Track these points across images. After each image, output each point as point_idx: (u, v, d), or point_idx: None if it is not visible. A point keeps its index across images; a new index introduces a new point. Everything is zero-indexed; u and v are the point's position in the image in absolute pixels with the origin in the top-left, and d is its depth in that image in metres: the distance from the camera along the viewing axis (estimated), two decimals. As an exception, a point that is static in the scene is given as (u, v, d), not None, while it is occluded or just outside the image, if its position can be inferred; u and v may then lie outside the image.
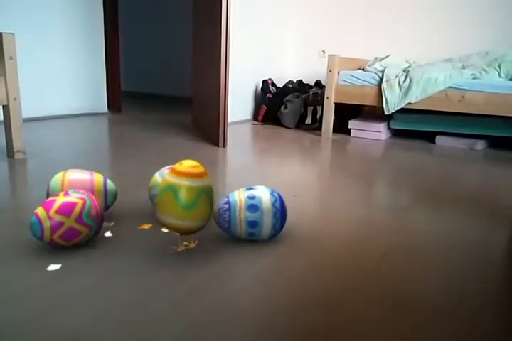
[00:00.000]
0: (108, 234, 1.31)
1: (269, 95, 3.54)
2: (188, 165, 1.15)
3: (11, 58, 1.88)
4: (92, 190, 1.32)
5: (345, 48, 3.79)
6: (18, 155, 1.97)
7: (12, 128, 1.93)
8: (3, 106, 1.90)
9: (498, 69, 2.62)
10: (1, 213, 1.36)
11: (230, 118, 3.29)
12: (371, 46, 3.66)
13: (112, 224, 1.35)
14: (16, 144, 1.96)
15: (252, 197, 1.19)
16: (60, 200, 1.09)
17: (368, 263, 1.11)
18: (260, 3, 3.58)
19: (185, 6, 4.71)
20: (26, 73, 3.04)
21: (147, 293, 0.93)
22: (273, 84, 3.66)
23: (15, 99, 1.91)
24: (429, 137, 2.99)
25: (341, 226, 1.36)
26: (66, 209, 1.07)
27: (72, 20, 3.35)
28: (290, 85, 3.60)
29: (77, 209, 1.10)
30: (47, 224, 1.05)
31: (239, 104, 3.57)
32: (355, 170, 2.10)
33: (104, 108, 3.73)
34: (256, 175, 1.97)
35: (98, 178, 1.37)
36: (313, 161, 2.34)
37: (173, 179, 1.14)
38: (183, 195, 1.11)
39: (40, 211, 1.06)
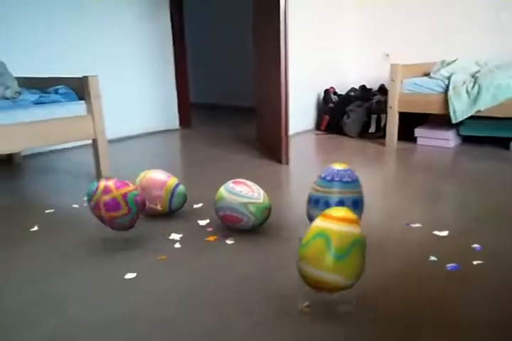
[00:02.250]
0: (177, 245, 1.49)
1: (331, 105, 3.57)
2: (339, 211, 1.06)
3: (96, 98, 2.13)
4: (162, 189, 1.56)
5: (411, 50, 3.70)
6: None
7: (100, 158, 2.19)
8: (92, 139, 2.16)
9: None
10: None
11: (293, 129, 3.38)
12: (438, 46, 3.54)
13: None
14: (104, 172, 2.21)
15: None
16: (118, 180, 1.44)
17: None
18: (318, 9, 3.61)
19: (247, 16, 4.86)
20: (104, 97, 3.36)
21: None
22: (335, 92, 3.68)
23: (101, 132, 2.17)
24: (503, 143, 2.85)
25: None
26: (119, 185, 1.40)
27: (143, 41, 3.62)
28: (352, 93, 3.60)
29: (128, 188, 1.40)
30: (101, 188, 1.38)
31: (302, 114, 3.64)
32: (421, 188, 2.09)
33: (176, 124, 3.99)
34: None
35: (171, 181, 1.63)
36: (378, 177, 2.36)
37: (324, 224, 1.05)
38: (335, 242, 1.01)
39: (102, 181, 1.42)
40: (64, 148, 3.10)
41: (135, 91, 3.62)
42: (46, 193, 2.17)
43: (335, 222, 1.03)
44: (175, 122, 3.99)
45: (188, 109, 4.08)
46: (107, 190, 1.38)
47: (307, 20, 3.49)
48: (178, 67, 3.93)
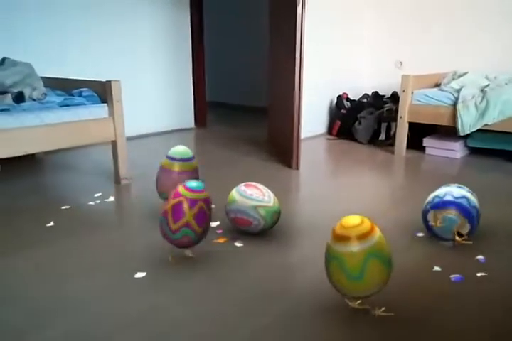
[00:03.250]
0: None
1: (343, 111, 3.65)
2: (349, 224, 1.06)
3: (117, 101, 2.24)
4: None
5: (423, 59, 3.74)
6: (123, 181, 2.35)
7: (119, 159, 2.31)
8: (112, 141, 2.29)
9: None
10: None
11: (305, 133, 3.46)
12: (450, 57, 3.58)
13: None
14: (122, 172, 2.34)
15: None
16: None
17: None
18: (333, 15, 3.67)
19: (264, 18, 4.93)
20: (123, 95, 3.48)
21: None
22: (348, 99, 3.75)
23: (121, 135, 2.29)
24: (509, 156, 2.91)
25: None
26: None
27: (161, 38, 3.72)
28: (364, 100, 3.67)
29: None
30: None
31: (314, 118, 3.72)
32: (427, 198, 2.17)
33: (192, 123, 4.11)
34: (326, 202, 2.13)
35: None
36: (385, 185, 2.45)
37: (335, 246, 1.08)
38: (348, 265, 1.04)
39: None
40: (84, 145, 3.24)
41: (153, 89, 3.74)
42: (64, 190, 2.31)
43: (344, 242, 1.04)
44: (190, 121, 4.10)
45: (204, 109, 4.19)
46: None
47: (323, 25, 3.55)
48: (195, 66, 4.03)
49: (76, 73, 2.90)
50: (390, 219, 1.93)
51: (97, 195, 2.18)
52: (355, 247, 1.04)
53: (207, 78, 4.24)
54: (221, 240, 1.68)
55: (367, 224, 1.07)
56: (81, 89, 2.33)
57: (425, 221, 1.69)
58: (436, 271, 1.46)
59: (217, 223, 1.84)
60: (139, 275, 1.42)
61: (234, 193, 1.69)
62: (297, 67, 2.53)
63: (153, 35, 3.63)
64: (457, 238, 1.61)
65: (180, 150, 1.92)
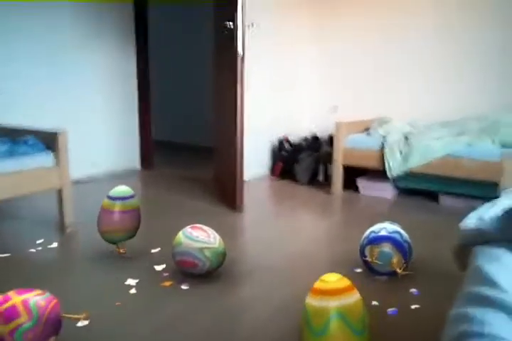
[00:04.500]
0: (133, 290, 1.64)
1: (284, 153, 3.88)
2: (328, 280, 1.07)
3: (64, 150, 2.28)
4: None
5: (355, 105, 4.11)
6: (68, 230, 2.34)
7: (64, 208, 2.31)
8: (57, 189, 2.30)
9: (493, 136, 2.85)
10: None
11: (248, 175, 3.61)
12: (379, 104, 3.97)
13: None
14: (67, 219, 2.34)
15: None
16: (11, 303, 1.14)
17: None
18: (273, 63, 3.96)
19: (210, 61, 5.19)
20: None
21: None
22: (288, 141, 4.00)
23: (67, 183, 2.31)
24: (434, 196, 3.19)
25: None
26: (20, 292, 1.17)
27: (106, 80, 3.80)
28: (303, 143, 3.93)
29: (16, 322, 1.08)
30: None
31: (257, 160, 3.90)
32: (361, 236, 2.36)
33: (137, 164, 4.14)
34: (268, 243, 2.25)
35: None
36: (324, 224, 2.64)
37: (308, 299, 1.08)
38: (311, 319, 1.03)
39: None
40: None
41: (97, 131, 3.75)
42: (4, 238, 2.27)
43: (313, 296, 1.06)
44: (136, 163, 4.14)
45: (150, 151, 4.25)
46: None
47: (265, 73, 3.81)
48: (141, 107, 4.10)
49: (20, 117, 2.89)
50: (329, 256, 2.09)
51: (39, 241, 2.17)
52: (319, 302, 1.05)
53: (153, 117, 4.32)
54: (167, 283, 1.74)
55: (345, 283, 1.10)
56: (26, 138, 2.34)
57: (363, 256, 1.86)
58: (375, 305, 1.60)
59: (163, 266, 1.90)
60: (83, 323, 1.42)
61: (180, 236, 1.77)
62: (239, 112, 2.70)
63: (97, 78, 3.70)
64: (398, 270, 1.77)
65: (121, 189, 2.00)
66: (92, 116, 3.69)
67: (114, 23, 3.75)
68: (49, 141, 2.29)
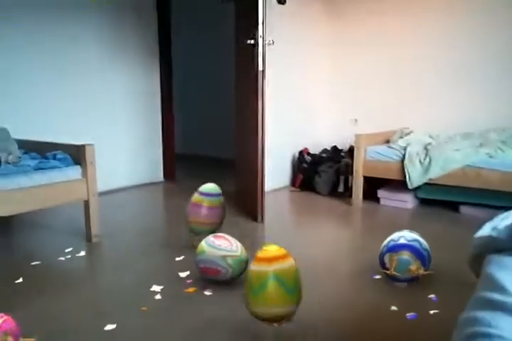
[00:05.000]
0: (158, 296, 1.70)
1: (304, 165, 3.91)
2: (268, 249, 1.34)
3: (91, 163, 2.39)
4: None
5: (376, 117, 4.12)
6: (95, 239, 2.44)
7: (91, 218, 2.41)
8: (84, 201, 2.40)
9: (513, 147, 2.83)
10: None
11: (270, 186, 3.66)
12: (399, 116, 3.97)
13: None
14: (94, 230, 2.43)
15: None
16: None
17: None
18: (294, 77, 4.03)
19: (232, 73, 5.30)
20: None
21: None
22: (308, 153, 4.03)
23: (93, 195, 2.41)
24: (454, 206, 3.17)
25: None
26: None
27: (131, 93, 3.95)
28: (324, 155, 3.96)
29: None
30: None
31: (278, 171, 3.95)
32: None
33: (161, 177, 4.25)
34: (290, 252, 2.28)
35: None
36: (344, 234, 2.65)
37: (251, 266, 1.37)
38: (253, 281, 1.32)
39: None
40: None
41: (122, 145, 3.88)
42: (34, 247, 2.37)
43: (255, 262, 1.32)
44: (159, 175, 4.25)
45: (173, 163, 4.36)
46: None
47: (285, 87, 3.88)
48: (165, 120, 4.22)
49: (49, 132, 3.04)
50: (349, 263, 2.11)
51: (67, 250, 2.26)
52: (257, 267, 1.32)
53: (176, 130, 4.44)
54: (191, 290, 1.79)
55: (281, 252, 1.34)
56: (55, 152, 2.46)
57: (382, 263, 1.89)
58: (394, 310, 1.62)
59: (187, 273, 1.95)
60: (109, 327, 1.49)
61: (203, 244, 1.84)
62: (260, 125, 2.77)
63: (122, 93, 3.84)
64: (420, 271, 1.81)
65: (210, 186, 2.31)
66: (117, 130, 3.83)
67: (138, 39, 3.91)
68: (77, 154, 2.40)
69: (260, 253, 1.34)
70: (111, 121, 3.77)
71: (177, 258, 2.16)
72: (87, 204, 2.40)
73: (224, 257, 1.77)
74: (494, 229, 1.17)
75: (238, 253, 1.80)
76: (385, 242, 1.92)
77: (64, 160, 2.41)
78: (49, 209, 3.11)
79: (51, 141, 2.64)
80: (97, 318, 1.57)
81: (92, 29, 3.55)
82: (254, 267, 1.35)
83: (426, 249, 1.86)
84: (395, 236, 1.90)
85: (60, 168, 2.34)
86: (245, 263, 1.82)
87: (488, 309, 0.76)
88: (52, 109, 3.34)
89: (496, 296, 0.79)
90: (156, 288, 1.81)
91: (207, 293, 1.77)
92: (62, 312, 1.63)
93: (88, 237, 2.44)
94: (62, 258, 2.15)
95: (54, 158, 2.44)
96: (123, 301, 1.70)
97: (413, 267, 1.80)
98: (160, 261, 2.15)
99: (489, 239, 1.16)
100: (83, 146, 2.37)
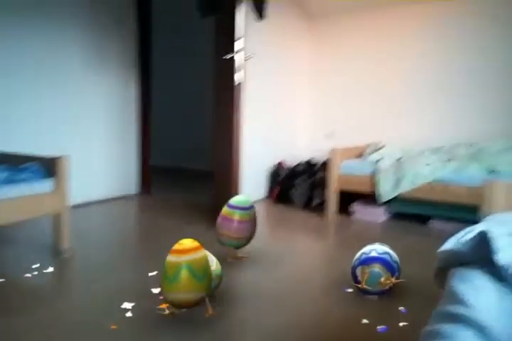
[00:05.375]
0: (129, 314, 1.67)
1: (281, 177, 3.95)
2: (183, 243, 1.52)
3: (64, 176, 2.35)
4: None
5: (351, 131, 4.22)
6: (65, 255, 2.38)
7: (62, 232, 2.37)
8: (55, 214, 2.35)
9: (479, 162, 2.94)
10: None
11: (245, 199, 3.69)
12: (373, 130, 4.08)
13: None
14: (64, 245, 2.38)
15: None
16: None
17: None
18: (271, 90, 4.10)
19: (209, 85, 5.33)
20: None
21: None
22: (284, 166, 4.08)
23: (65, 208, 2.37)
24: (423, 219, 3.25)
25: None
26: None
27: (106, 106, 3.93)
28: (299, 168, 4.01)
29: None
30: None
31: (255, 184, 3.98)
32: (352, 258, 2.40)
33: (136, 189, 4.21)
34: (264, 266, 2.29)
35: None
36: (318, 247, 2.67)
37: (168, 258, 1.52)
38: (167, 271, 1.49)
39: None
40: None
41: (96, 157, 3.85)
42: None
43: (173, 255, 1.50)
44: (134, 188, 4.20)
45: (148, 175, 4.32)
46: None
47: (263, 100, 3.93)
48: (141, 132, 4.20)
49: (21, 144, 2.98)
50: (322, 277, 2.13)
51: (34, 266, 2.21)
52: (173, 257, 1.51)
53: (153, 142, 4.41)
54: (164, 306, 1.77)
55: (194, 245, 1.51)
56: (27, 164, 2.41)
57: (354, 276, 1.92)
58: (365, 324, 1.64)
59: (160, 289, 1.92)
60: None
61: None
62: (236, 138, 2.79)
63: (98, 104, 3.82)
64: (392, 280, 1.85)
65: (241, 199, 2.20)
66: (91, 142, 3.79)
67: (116, 51, 3.91)
68: (50, 166, 2.36)
69: (176, 246, 1.51)
70: (86, 132, 3.73)
71: (150, 274, 2.13)
72: (58, 217, 2.36)
73: None
74: (458, 242, 1.22)
75: (214, 268, 1.80)
76: (357, 255, 1.95)
77: (36, 173, 2.37)
78: (17, 223, 3.04)
79: (23, 153, 2.59)
80: (64, 338, 1.53)
81: (71, 41, 3.53)
82: (170, 258, 1.51)
83: (396, 261, 1.90)
84: (366, 249, 1.94)
85: (31, 180, 2.29)
86: (219, 277, 1.82)
87: (449, 322, 0.79)
88: (24, 121, 3.28)
89: (457, 309, 0.82)
90: (127, 305, 1.78)
91: (179, 310, 1.75)
92: (24, 332, 1.58)
93: (58, 252, 2.39)
94: (29, 275, 2.09)
95: (26, 170, 2.39)
96: (92, 319, 1.66)
97: (384, 279, 1.84)
98: (132, 276, 2.12)
99: (453, 252, 1.21)
100: (57, 159, 2.34)
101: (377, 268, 1.86)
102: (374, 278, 1.85)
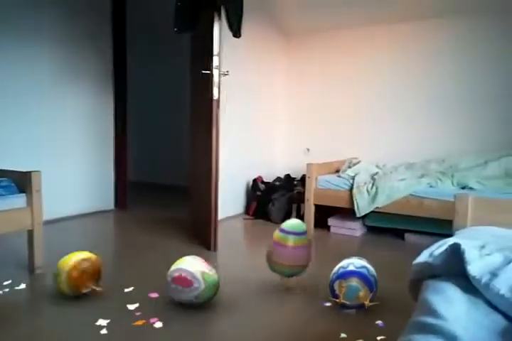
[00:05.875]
0: (104, 331, 1.63)
1: (258, 193, 3.97)
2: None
3: (37, 191, 2.31)
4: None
5: (327, 147, 4.30)
6: (38, 271, 2.32)
7: (35, 248, 2.30)
8: (28, 230, 2.29)
9: (451, 178, 3.04)
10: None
11: (224, 213, 3.68)
12: (349, 146, 4.17)
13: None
14: (37, 261, 2.32)
15: None
16: None
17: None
18: (249, 108, 4.15)
19: (186, 101, 5.35)
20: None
21: None
22: (262, 181, 4.10)
23: (38, 223, 2.31)
24: (400, 233, 3.31)
25: None
26: None
27: (82, 121, 3.89)
28: (277, 183, 4.04)
29: None
30: None
31: (233, 199, 3.98)
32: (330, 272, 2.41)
33: (112, 205, 4.14)
34: (240, 282, 2.27)
35: None
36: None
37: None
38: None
39: None
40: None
41: (72, 172, 3.79)
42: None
43: None
44: (110, 203, 4.14)
45: (125, 191, 4.27)
46: None
47: (240, 116, 3.97)
48: (117, 147, 4.17)
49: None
50: (299, 291, 2.13)
51: (6, 282, 2.13)
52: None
53: (129, 158, 4.37)
54: (140, 323, 1.73)
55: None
56: (-1, 179, 2.36)
57: (332, 291, 1.94)
58: (343, 338, 1.65)
59: (136, 305, 1.90)
60: None
61: (185, 258, 1.90)
62: (213, 153, 2.79)
63: (73, 120, 3.77)
64: (366, 302, 1.85)
65: (295, 223, 2.04)
66: (67, 157, 3.73)
67: (92, 65, 3.89)
68: (22, 181, 2.31)
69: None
70: (61, 147, 3.67)
71: (126, 290, 2.09)
72: (31, 233, 2.29)
73: (202, 273, 1.83)
74: (430, 255, 1.26)
75: (215, 277, 1.88)
76: (335, 269, 1.97)
77: (8, 187, 2.31)
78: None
79: (-5, 168, 2.53)
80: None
81: (47, 53, 3.50)
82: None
83: (373, 275, 1.93)
84: (344, 263, 1.96)
85: (3, 195, 2.23)
86: (216, 287, 1.87)
87: (421, 332, 0.81)
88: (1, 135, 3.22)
89: (429, 320, 0.84)
90: (101, 321, 1.74)
91: (156, 325, 1.72)
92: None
93: (31, 268, 2.32)
94: (0, 292, 2.02)
95: (-3, 185, 2.33)
96: (65, 337, 1.62)
97: (362, 294, 1.86)
98: (107, 292, 2.07)
99: (426, 265, 1.24)
100: (29, 173, 2.29)
101: (354, 282, 1.87)
102: (352, 293, 1.86)
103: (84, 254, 2.01)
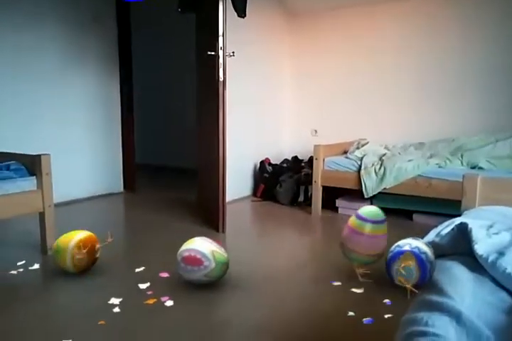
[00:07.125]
0: (117, 309, 1.68)
1: (266, 174, 3.97)
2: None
3: (47, 174, 2.33)
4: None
5: (334, 128, 4.26)
6: (50, 252, 2.36)
7: (46, 230, 2.34)
8: (39, 212, 2.33)
9: (461, 158, 3.01)
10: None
11: (231, 196, 3.69)
12: (357, 127, 4.13)
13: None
14: (49, 242, 2.36)
15: None
16: None
17: None
18: (257, 86, 4.11)
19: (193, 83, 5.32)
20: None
21: None
22: (270, 163, 4.10)
23: (49, 206, 2.35)
24: (408, 214, 3.32)
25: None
26: None
27: (90, 104, 3.89)
28: (284, 165, 4.04)
29: None
30: None
31: (240, 182, 3.99)
32: (336, 251, 2.43)
33: (121, 187, 4.18)
34: (251, 263, 2.30)
35: None
36: (304, 242, 2.70)
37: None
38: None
39: None
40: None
41: (81, 155, 3.81)
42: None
43: None
44: (119, 185, 4.18)
45: (133, 173, 4.30)
46: None
47: (247, 97, 3.94)
48: (124, 130, 4.17)
49: (3, 142, 2.94)
50: (308, 271, 2.17)
51: (20, 263, 2.19)
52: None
53: (137, 140, 4.38)
54: (151, 301, 1.78)
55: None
56: (8, 163, 2.38)
57: (392, 260, 1.82)
58: (351, 316, 1.68)
59: (148, 284, 1.94)
60: None
61: (195, 238, 1.93)
62: (221, 136, 2.79)
63: (81, 103, 3.78)
64: (408, 286, 1.74)
65: (372, 210, 1.89)
66: (75, 140, 3.75)
67: (98, 48, 3.87)
68: (32, 165, 2.33)
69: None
70: (69, 131, 3.69)
71: (137, 270, 2.13)
72: (42, 215, 2.33)
73: (212, 252, 1.86)
74: (438, 235, 1.26)
75: (225, 255, 1.91)
76: (402, 245, 1.82)
77: (18, 170, 2.34)
78: (1, 221, 3.00)
79: (5, 151, 2.56)
80: (52, 334, 1.53)
81: (51, 38, 3.48)
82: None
83: (430, 261, 1.74)
84: (412, 242, 1.82)
85: (14, 178, 2.26)
86: (226, 266, 1.91)
87: (426, 310, 0.82)
88: (7, 118, 3.23)
89: (434, 297, 0.85)
90: (114, 300, 1.78)
91: (167, 304, 1.76)
92: (12, 328, 1.57)
93: (43, 249, 2.37)
94: (14, 272, 2.08)
95: (8, 168, 2.36)
96: (79, 315, 1.66)
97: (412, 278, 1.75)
98: (119, 272, 2.12)
99: (433, 244, 1.25)
100: (38, 156, 2.32)
101: (412, 265, 1.74)
102: (407, 274, 1.77)
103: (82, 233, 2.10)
